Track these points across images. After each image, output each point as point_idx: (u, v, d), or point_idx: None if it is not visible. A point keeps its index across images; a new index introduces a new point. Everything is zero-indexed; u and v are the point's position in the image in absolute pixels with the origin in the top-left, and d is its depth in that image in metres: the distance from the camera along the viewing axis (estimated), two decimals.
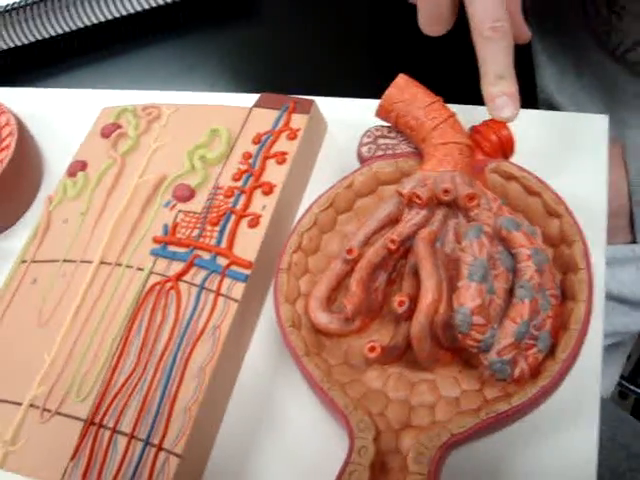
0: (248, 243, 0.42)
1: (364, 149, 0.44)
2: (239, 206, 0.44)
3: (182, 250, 0.43)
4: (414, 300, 0.38)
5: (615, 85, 0.67)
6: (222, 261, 0.42)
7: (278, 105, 0.48)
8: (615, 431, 0.62)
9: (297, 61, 0.57)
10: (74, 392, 0.40)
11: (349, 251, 0.40)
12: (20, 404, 0.40)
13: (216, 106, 0.49)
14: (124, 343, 0.40)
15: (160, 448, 0.37)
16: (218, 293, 0.40)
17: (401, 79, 0.43)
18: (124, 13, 0.63)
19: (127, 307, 0.42)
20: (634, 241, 0.60)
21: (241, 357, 0.42)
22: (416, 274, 0.39)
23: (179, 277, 0.42)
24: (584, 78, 0.70)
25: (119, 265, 0.43)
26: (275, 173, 0.45)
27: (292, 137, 0.46)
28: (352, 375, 0.39)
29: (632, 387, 0.89)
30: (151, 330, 0.40)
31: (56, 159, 0.57)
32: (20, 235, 0.53)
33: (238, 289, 0.40)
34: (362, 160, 0.44)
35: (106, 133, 0.50)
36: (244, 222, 0.43)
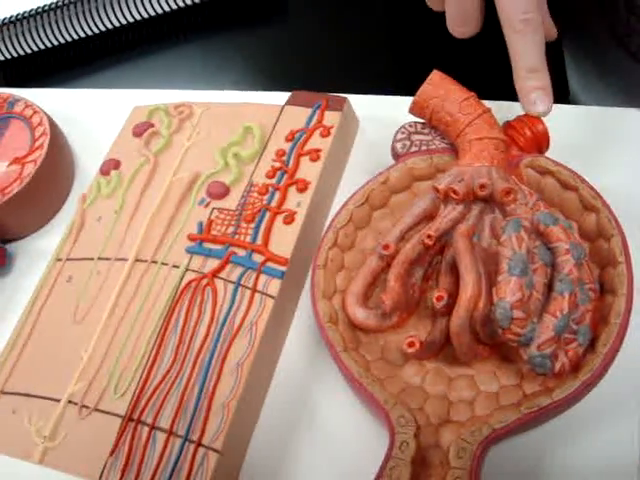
0: (283, 240, 0.42)
1: (398, 145, 0.44)
2: (274, 203, 0.44)
3: (218, 247, 0.43)
4: (452, 295, 0.38)
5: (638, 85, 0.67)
6: (258, 258, 0.42)
7: (310, 103, 0.48)
8: None
9: (325, 59, 0.57)
10: (112, 388, 0.40)
11: (385, 247, 0.40)
12: (58, 400, 0.40)
13: (248, 104, 0.49)
14: (161, 340, 0.40)
15: (199, 444, 0.37)
16: (254, 290, 0.40)
17: (436, 75, 0.43)
18: (152, 14, 0.63)
19: (163, 304, 0.42)
20: None
21: (277, 353, 0.42)
22: (453, 270, 0.39)
23: (215, 274, 0.42)
24: (607, 77, 0.69)
25: (154, 262, 0.44)
26: (309, 170, 0.45)
27: (325, 134, 0.46)
28: (390, 371, 0.39)
29: None
30: (188, 327, 0.40)
31: (87, 158, 0.57)
32: (53, 234, 0.53)
33: (274, 286, 0.40)
34: (396, 156, 0.44)
35: (138, 132, 0.51)
36: (279, 219, 0.43)
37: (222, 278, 0.42)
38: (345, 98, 0.48)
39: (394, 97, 0.52)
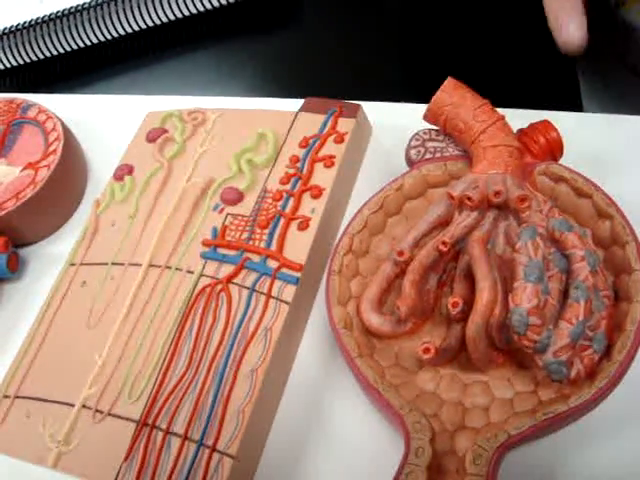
0: (298, 246, 0.42)
1: (412, 152, 0.44)
2: (288, 209, 0.44)
3: (232, 253, 0.43)
4: (467, 302, 0.38)
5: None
6: (272, 264, 0.42)
7: (324, 109, 0.48)
8: None
9: (338, 67, 0.57)
10: (126, 393, 0.40)
11: (400, 253, 0.40)
12: (73, 405, 0.40)
13: (262, 110, 0.49)
14: (175, 345, 0.41)
15: (214, 449, 0.37)
16: (269, 295, 0.41)
17: (450, 82, 0.43)
18: (166, 20, 0.63)
19: (177, 309, 0.42)
20: None
21: (291, 359, 0.42)
22: (467, 276, 0.39)
23: (230, 279, 0.42)
24: (623, 97, 0.69)
25: (168, 268, 0.44)
26: (323, 176, 0.45)
27: (339, 141, 0.46)
28: (404, 377, 0.39)
29: None
30: (202, 332, 0.41)
31: (100, 163, 0.58)
32: (66, 239, 0.53)
33: (289, 291, 0.40)
34: (411, 163, 0.44)
35: (152, 137, 0.51)
36: (294, 225, 0.43)
37: (237, 284, 0.42)
38: (359, 105, 0.48)
39: (407, 104, 0.52)
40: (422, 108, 0.48)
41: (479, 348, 0.36)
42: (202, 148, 0.49)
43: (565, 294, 0.37)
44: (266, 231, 0.43)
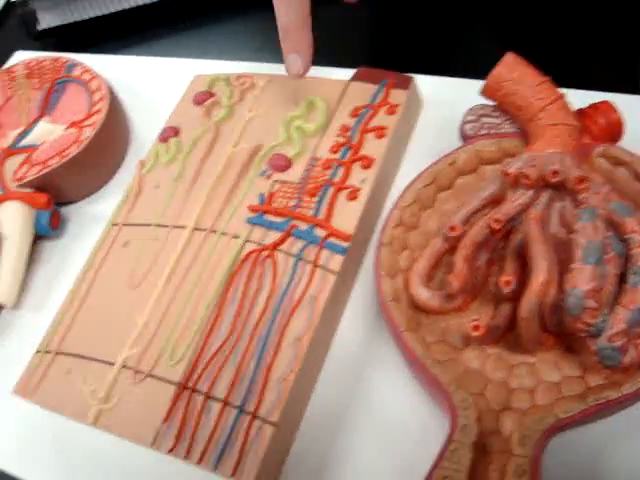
0: (347, 216, 0.41)
1: (468, 127, 0.43)
2: (337, 178, 0.43)
3: (279, 220, 0.42)
4: (518, 282, 0.37)
5: None
6: (320, 232, 0.41)
7: (376, 80, 0.47)
8: None
9: (390, 38, 0.56)
10: (167, 355, 0.40)
11: (452, 228, 0.39)
12: (113, 364, 0.40)
13: (313, 78, 0.48)
14: (219, 309, 0.40)
15: (255, 416, 0.36)
16: (316, 264, 0.40)
17: (510, 57, 0.42)
18: None
19: (222, 274, 0.41)
20: None
21: (334, 330, 0.41)
22: (519, 256, 0.39)
23: (276, 246, 0.41)
24: None
25: (214, 232, 0.43)
26: (374, 147, 0.44)
27: (391, 112, 0.45)
28: (450, 354, 0.38)
29: None
30: (246, 298, 0.40)
31: (142, 125, 0.57)
32: (107, 199, 0.53)
33: (336, 261, 0.40)
34: (465, 138, 0.43)
35: (199, 100, 0.50)
36: (342, 194, 0.42)
37: (283, 251, 0.41)
38: (411, 77, 0.47)
39: (458, 79, 0.51)
40: (473, 83, 0.47)
41: (531, 328, 0.36)
42: (250, 113, 0.49)
43: (622, 279, 0.36)
44: (314, 199, 0.43)
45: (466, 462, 0.33)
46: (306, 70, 0.43)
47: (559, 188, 0.39)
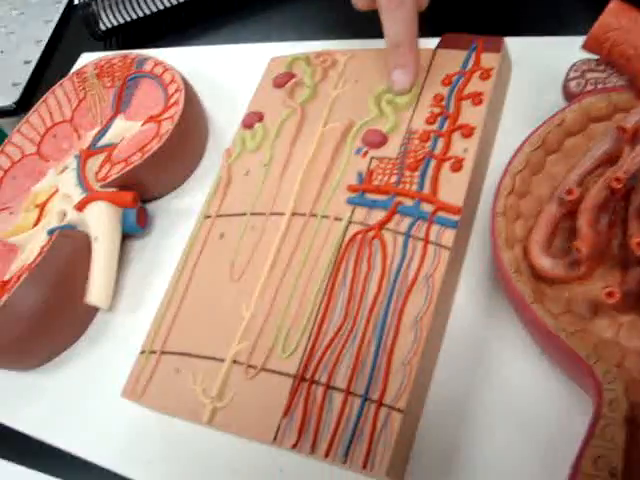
0: (453, 188, 0.39)
1: (572, 84, 0.41)
2: (438, 150, 0.41)
3: (382, 197, 0.40)
4: None
5: None
6: (427, 207, 0.39)
7: (464, 45, 0.45)
8: None
9: (466, 3, 0.53)
10: (279, 347, 0.38)
11: (569, 192, 0.37)
12: (222, 360, 0.39)
13: None
14: (329, 296, 0.38)
15: (381, 404, 0.35)
16: (427, 241, 0.38)
17: (615, 4, 0.39)
18: None
19: (328, 258, 0.39)
20: None
21: (450, 306, 0.39)
22: None
23: (382, 225, 0.39)
24: None
25: (314, 216, 0.41)
26: (472, 114, 0.42)
27: (485, 77, 0.43)
28: (579, 324, 0.36)
29: None
30: (357, 281, 0.38)
31: (219, 113, 0.56)
32: (192, 192, 0.52)
33: (448, 236, 0.38)
34: (570, 96, 0.41)
35: (280, 83, 0.49)
36: (446, 166, 0.40)
37: (390, 230, 0.39)
38: (502, 39, 0.45)
39: (545, 38, 0.48)
40: (562, 40, 0.45)
41: None
42: (335, 91, 0.47)
43: None
44: (416, 173, 0.40)
45: (620, 439, 0.30)
46: (412, 86, 0.44)
47: None
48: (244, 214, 0.43)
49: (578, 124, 0.40)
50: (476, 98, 0.42)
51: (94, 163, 0.52)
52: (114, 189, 0.49)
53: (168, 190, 0.52)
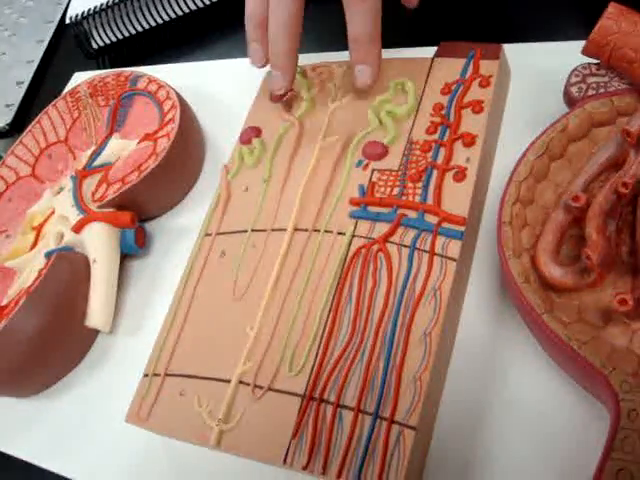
0: (457, 198, 0.39)
1: (574, 89, 0.40)
2: (440, 160, 0.40)
3: (385, 210, 0.40)
4: None
5: None
6: (432, 219, 0.38)
7: (462, 53, 0.44)
8: None
9: (463, 11, 0.53)
10: (286, 366, 0.37)
11: (576, 198, 0.36)
12: (228, 381, 0.38)
13: (394, 59, 0.46)
14: (335, 311, 0.38)
15: (392, 421, 0.34)
16: (433, 253, 0.37)
17: (614, 8, 0.39)
18: None
19: (332, 273, 0.39)
20: None
21: (458, 319, 0.39)
22: None
23: (387, 238, 0.39)
24: None
25: (316, 231, 0.41)
26: (473, 123, 0.41)
27: (485, 84, 0.42)
28: (591, 333, 0.35)
29: None
30: (363, 296, 0.37)
31: (214, 129, 0.55)
32: (191, 209, 0.51)
33: (454, 247, 0.37)
34: (572, 102, 0.40)
35: (277, 97, 0.48)
36: (449, 176, 0.40)
37: (395, 242, 0.38)
38: (500, 45, 0.44)
39: (543, 44, 0.48)
40: (561, 46, 0.45)
41: None
42: (334, 104, 0.46)
43: None
44: (419, 184, 0.40)
45: None
46: (374, 81, 0.43)
47: None
48: (245, 231, 0.43)
49: (581, 129, 0.40)
50: (476, 106, 0.42)
51: (90, 183, 0.51)
52: (111, 209, 0.49)
53: (166, 208, 0.52)
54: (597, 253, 0.34)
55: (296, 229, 0.41)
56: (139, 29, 0.65)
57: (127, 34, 0.66)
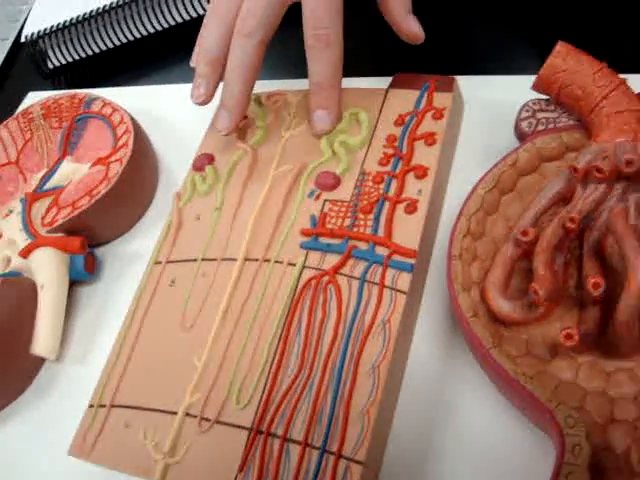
0: (408, 230, 0.39)
1: (524, 124, 0.41)
2: (392, 192, 0.40)
3: (336, 241, 0.40)
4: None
5: None
6: (382, 251, 0.38)
7: (416, 85, 0.45)
8: None
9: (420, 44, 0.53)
10: (233, 399, 0.37)
11: (524, 233, 0.37)
12: (175, 413, 0.38)
13: (349, 89, 0.46)
14: (284, 343, 0.37)
15: (339, 456, 0.34)
16: (383, 285, 0.37)
17: (562, 47, 0.40)
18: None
19: (282, 304, 0.38)
20: None
21: (408, 351, 0.39)
22: (597, 254, 0.36)
23: (337, 270, 0.38)
24: None
25: (267, 261, 0.40)
26: (426, 155, 0.41)
27: (438, 117, 0.43)
28: (538, 367, 0.35)
29: None
30: (312, 328, 0.37)
31: (169, 155, 0.55)
32: (142, 235, 0.50)
33: (404, 280, 0.37)
34: (522, 136, 0.41)
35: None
36: (400, 208, 0.40)
37: (345, 274, 0.38)
38: (454, 78, 0.45)
39: (497, 77, 0.49)
40: (514, 80, 0.46)
41: (630, 332, 0.33)
42: (288, 132, 0.46)
43: None
44: (370, 216, 0.40)
45: None
46: (333, 127, 0.44)
47: (632, 178, 0.36)
48: (195, 260, 0.42)
49: (531, 164, 0.40)
50: (429, 138, 0.42)
51: (40, 207, 0.50)
52: (61, 234, 0.48)
53: (117, 234, 0.51)
54: (544, 288, 0.34)
55: (247, 259, 0.41)
56: (96, 50, 0.65)
57: (84, 55, 0.65)
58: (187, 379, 0.38)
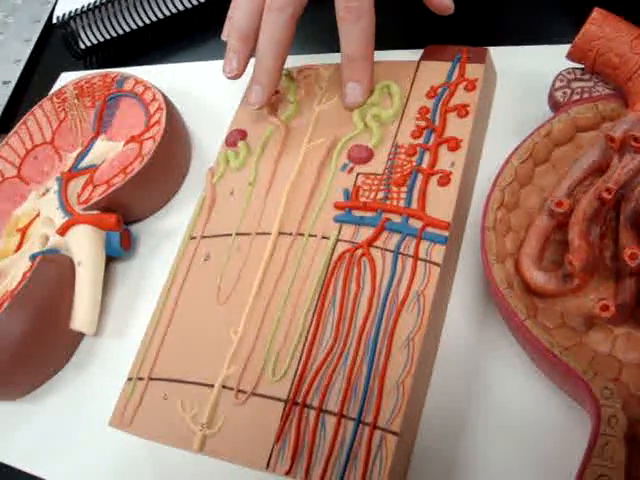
0: (441, 202, 0.39)
1: (558, 94, 0.40)
2: (425, 164, 0.40)
3: (369, 214, 0.40)
4: None
5: None
6: (416, 223, 0.38)
7: (449, 56, 0.44)
8: None
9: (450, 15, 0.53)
10: (269, 371, 0.37)
11: (559, 204, 0.36)
12: (212, 386, 0.38)
13: (380, 62, 0.46)
14: (318, 317, 0.38)
15: (375, 426, 0.34)
16: (416, 257, 0.37)
17: (598, 13, 0.39)
18: None
19: (316, 278, 0.39)
20: None
21: (442, 324, 0.39)
22: (634, 225, 0.36)
23: (371, 243, 0.38)
24: None
25: (301, 235, 0.41)
26: (458, 127, 0.41)
27: (471, 88, 0.42)
28: (574, 339, 0.35)
29: None
30: (347, 301, 0.37)
31: (201, 131, 0.55)
32: (176, 212, 0.51)
33: (438, 252, 0.37)
34: (557, 106, 0.40)
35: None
36: (433, 180, 0.39)
37: (379, 247, 0.38)
38: (486, 49, 0.44)
39: (529, 47, 0.48)
40: (547, 49, 0.45)
41: None
42: (319, 107, 0.46)
43: None
44: (404, 189, 0.40)
45: (621, 457, 0.30)
46: (365, 99, 0.44)
47: None
48: (229, 235, 0.43)
49: (566, 134, 0.40)
50: (462, 110, 0.42)
51: (76, 185, 0.51)
52: (97, 212, 0.49)
53: (152, 211, 0.51)
54: (580, 259, 0.34)
55: (280, 233, 0.41)
56: (127, 29, 0.65)
57: (115, 34, 0.65)
58: (223, 352, 0.39)
